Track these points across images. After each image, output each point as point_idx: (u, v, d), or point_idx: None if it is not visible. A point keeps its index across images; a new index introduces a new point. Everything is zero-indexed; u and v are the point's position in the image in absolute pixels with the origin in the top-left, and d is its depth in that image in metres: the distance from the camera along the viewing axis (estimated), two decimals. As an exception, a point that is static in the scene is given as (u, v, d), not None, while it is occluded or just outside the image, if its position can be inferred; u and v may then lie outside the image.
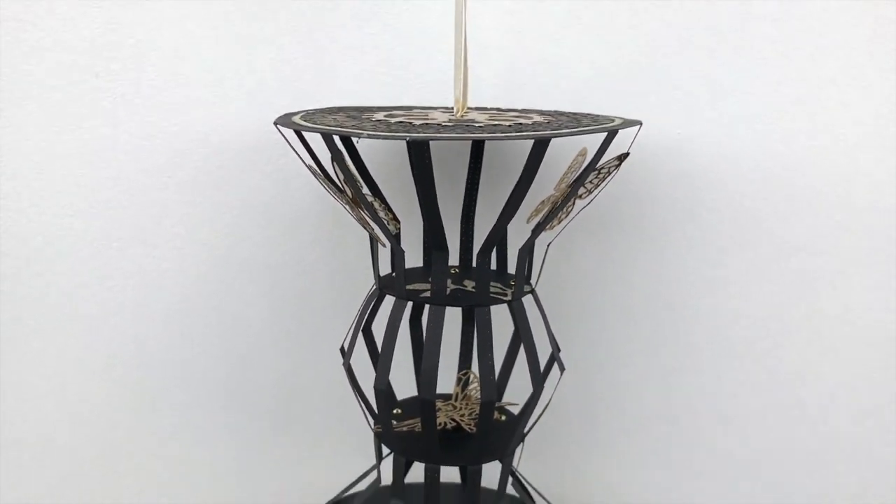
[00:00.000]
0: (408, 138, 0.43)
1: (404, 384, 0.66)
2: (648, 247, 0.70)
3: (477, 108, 0.62)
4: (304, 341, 0.75)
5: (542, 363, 0.57)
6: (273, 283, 0.73)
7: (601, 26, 0.65)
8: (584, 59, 0.66)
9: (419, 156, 0.47)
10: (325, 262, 0.72)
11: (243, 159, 0.69)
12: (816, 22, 0.61)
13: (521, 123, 0.51)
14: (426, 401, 0.52)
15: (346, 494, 0.69)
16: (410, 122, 0.50)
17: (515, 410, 0.62)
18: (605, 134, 0.49)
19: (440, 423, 0.60)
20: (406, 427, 0.58)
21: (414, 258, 0.62)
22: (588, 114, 0.60)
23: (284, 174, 0.69)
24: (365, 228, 0.56)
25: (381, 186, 0.59)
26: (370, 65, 0.67)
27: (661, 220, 0.69)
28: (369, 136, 0.44)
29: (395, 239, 0.56)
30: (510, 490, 0.61)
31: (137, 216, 0.69)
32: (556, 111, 0.62)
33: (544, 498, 0.68)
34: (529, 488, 0.66)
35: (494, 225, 0.50)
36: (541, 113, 0.59)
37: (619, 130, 0.50)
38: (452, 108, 0.59)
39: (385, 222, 0.54)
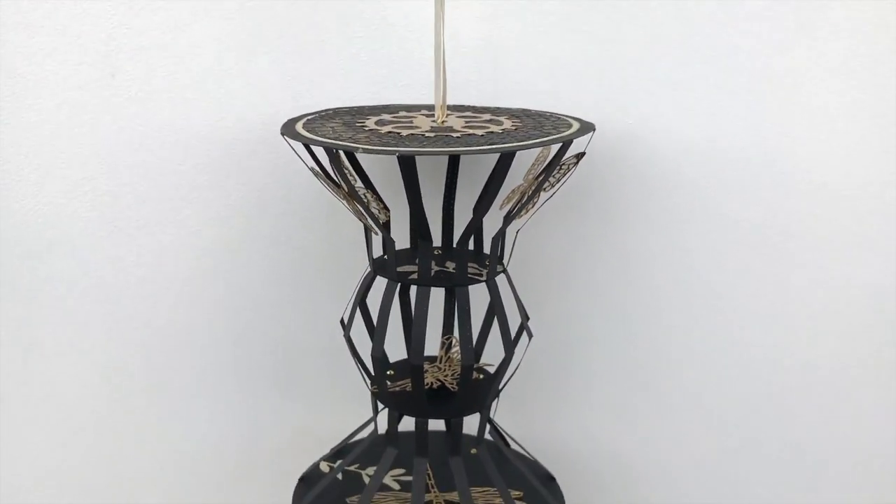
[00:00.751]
0: (397, 154, 0.52)
1: (394, 348, 0.76)
2: (612, 227, 0.80)
3: (454, 108, 0.71)
4: (304, 311, 0.84)
5: (513, 331, 0.67)
6: (276, 262, 0.82)
7: (569, 23, 0.73)
8: (554, 54, 0.74)
9: (407, 165, 0.56)
10: (321, 244, 0.82)
11: (248, 150, 0.78)
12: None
13: (491, 132, 0.60)
14: (415, 366, 0.62)
15: (348, 443, 0.80)
16: (398, 133, 0.59)
17: (492, 370, 0.72)
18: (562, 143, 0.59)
19: (427, 383, 0.70)
20: (398, 387, 0.69)
21: (401, 240, 0.71)
22: (552, 115, 0.69)
23: (285, 165, 0.78)
24: (359, 219, 0.65)
25: (371, 179, 0.68)
26: (358, 63, 0.75)
27: (624, 202, 0.79)
28: (365, 151, 0.53)
29: (385, 227, 0.65)
30: (487, 436, 0.72)
31: (154, 200, 0.79)
32: (523, 111, 0.71)
33: (516, 441, 0.79)
34: (504, 434, 0.77)
35: (471, 220, 0.60)
36: (510, 114, 0.68)
37: (577, 134, 0.59)
38: (433, 112, 0.67)
39: (376, 213, 0.64)
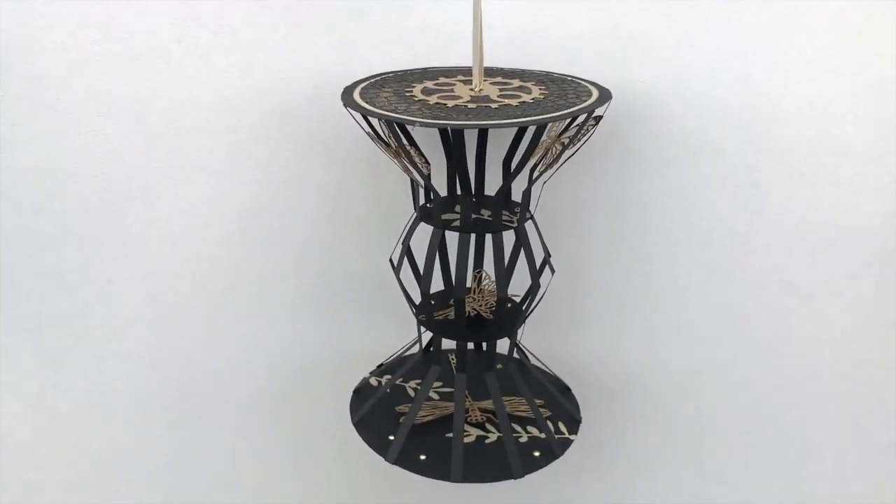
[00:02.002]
0: (449, 127, 0.63)
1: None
2: (623, 174, 0.90)
3: (486, 72, 0.80)
4: (351, 250, 0.96)
5: (538, 265, 0.79)
6: (327, 208, 0.93)
7: None
8: (574, 18, 0.83)
9: (456, 135, 0.66)
10: (366, 193, 0.92)
11: (300, 110, 0.87)
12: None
13: (524, 101, 0.70)
14: (458, 300, 0.74)
15: (393, 361, 0.93)
16: (445, 104, 0.68)
17: (517, 300, 0.84)
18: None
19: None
20: (441, 315, 0.81)
21: (439, 188, 0.82)
22: (571, 79, 0.79)
23: (335, 123, 0.87)
24: (405, 172, 0.76)
25: (413, 136, 0.78)
26: (402, 29, 0.84)
27: (633, 152, 0.89)
28: (422, 125, 0.63)
29: (427, 178, 0.76)
30: (515, 356, 0.85)
31: (221, 151, 0.90)
32: (546, 75, 0.80)
33: (537, 358, 0.92)
34: (527, 352, 0.90)
35: (503, 182, 0.71)
36: (535, 79, 0.78)
37: (598, 103, 0.69)
38: (468, 77, 0.77)
39: (420, 166, 0.74)
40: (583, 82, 0.77)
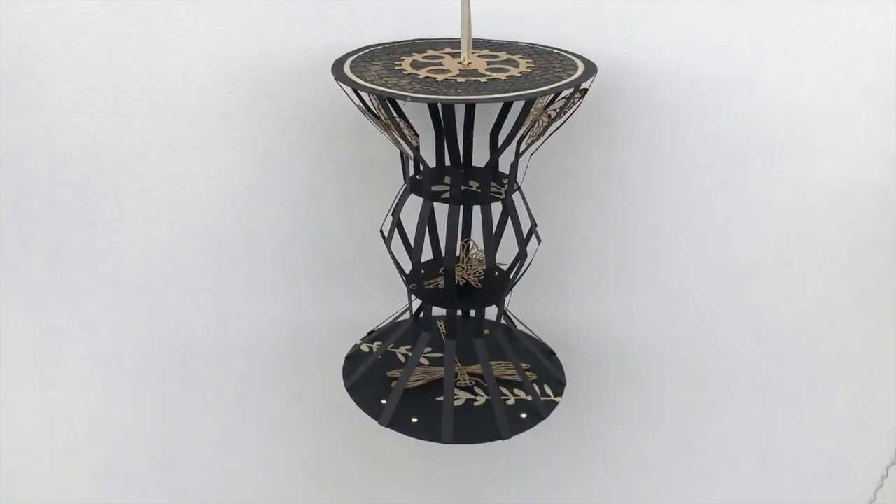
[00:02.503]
0: (439, 102, 0.64)
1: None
2: (605, 145, 0.93)
3: (474, 44, 0.81)
4: (342, 219, 0.98)
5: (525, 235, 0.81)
6: (318, 178, 0.94)
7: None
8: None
9: (446, 109, 0.68)
10: (357, 163, 0.94)
11: (289, 79, 0.88)
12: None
13: (512, 75, 0.71)
14: (448, 269, 0.77)
15: (383, 327, 0.95)
16: (434, 78, 0.70)
17: (505, 268, 0.87)
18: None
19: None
20: (431, 284, 0.84)
21: (428, 160, 0.84)
22: (556, 51, 0.80)
23: (323, 94, 0.88)
24: (395, 145, 0.77)
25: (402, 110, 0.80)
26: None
27: (613, 123, 0.91)
28: (413, 100, 0.65)
29: (417, 150, 0.77)
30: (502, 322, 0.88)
31: (208, 123, 0.91)
32: (532, 47, 0.81)
33: (522, 323, 0.95)
34: (513, 318, 0.93)
35: (491, 156, 0.73)
36: (522, 52, 0.79)
37: (584, 77, 0.71)
38: (456, 50, 0.78)
39: (409, 139, 0.76)
40: (568, 55, 0.79)
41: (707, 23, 0.85)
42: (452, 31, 0.83)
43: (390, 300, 1.00)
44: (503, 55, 0.78)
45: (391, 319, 0.94)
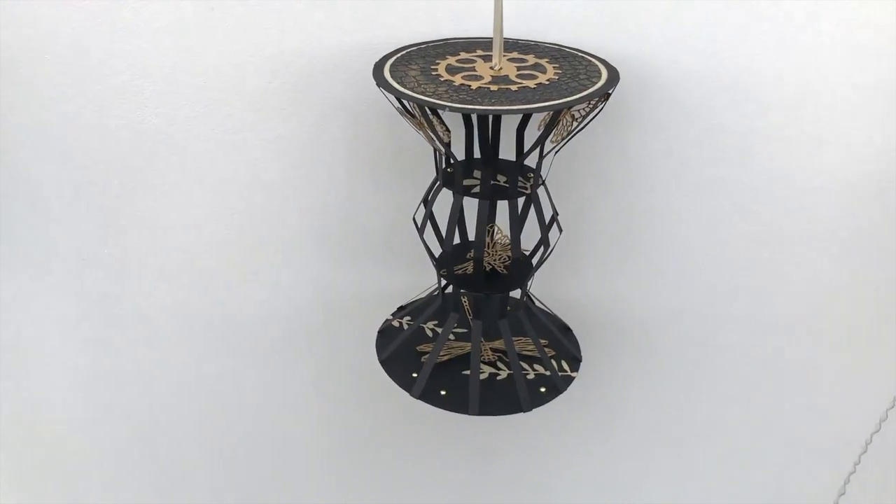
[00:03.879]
0: (475, 112, 0.70)
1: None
2: (617, 138, 0.98)
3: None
4: (376, 203, 1.04)
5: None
6: (352, 167, 1.01)
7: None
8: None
9: (481, 118, 0.74)
10: (389, 151, 1.00)
11: (325, 75, 0.94)
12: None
13: (540, 83, 0.77)
14: (478, 258, 0.84)
15: (413, 304, 1.03)
16: (469, 86, 0.75)
17: (526, 253, 0.94)
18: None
19: (479, 264, 0.92)
20: (460, 270, 0.91)
21: (457, 151, 0.90)
22: (581, 55, 0.85)
23: (359, 89, 0.94)
24: (428, 141, 0.83)
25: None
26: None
27: (627, 117, 0.97)
28: (451, 110, 0.71)
29: (448, 146, 0.83)
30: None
31: (251, 113, 0.97)
32: (558, 50, 0.86)
33: (541, 302, 1.03)
34: (532, 297, 1.00)
35: (516, 159, 0.79)
36: (548, 56, 0.84)
37: (609, 84, 0.77)
38: (487, 53, 0.83)
39: (441, 135, 0.82)
40: (592, 60, 0.84)
41: (715, 17, 0.89)
42: (480, 26, 0.89)
43: (418, 276, 1.07)
44: (531, 59, 0.83)
45: (420, 296, 1.02)
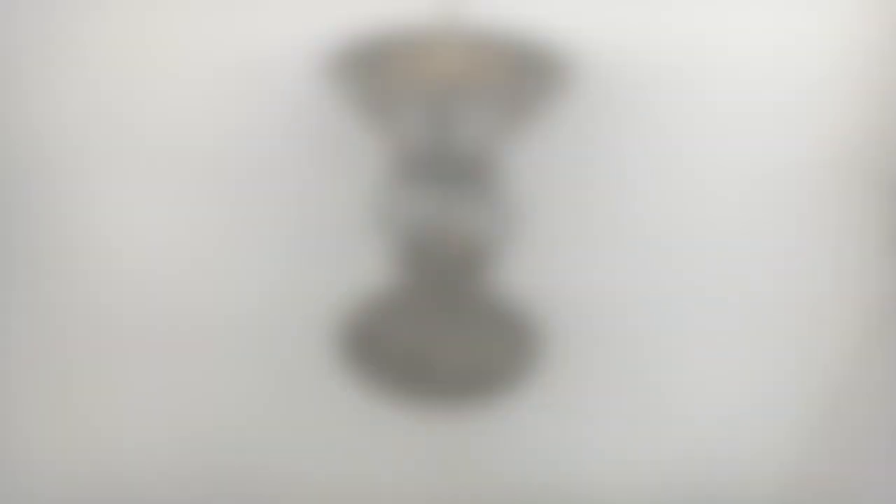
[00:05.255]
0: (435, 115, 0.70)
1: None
2: (600, 120, 0.99)
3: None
4: (334, 196, 1.04)
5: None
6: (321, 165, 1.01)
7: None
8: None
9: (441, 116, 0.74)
10: (358, 148, 1.00)
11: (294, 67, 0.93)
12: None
13: (499, 82, 0.77)
14: (444, 250, 0.85)
15: (378, 297, 1.04)
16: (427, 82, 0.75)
17: (492, 239, 0.95)
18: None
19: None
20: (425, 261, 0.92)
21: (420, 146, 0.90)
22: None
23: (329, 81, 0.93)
24: (390, 136, 0.83)
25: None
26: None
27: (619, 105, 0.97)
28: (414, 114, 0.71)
29: (411, 142, 0.84)
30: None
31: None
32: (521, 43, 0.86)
33: (516, 289, 1.04)
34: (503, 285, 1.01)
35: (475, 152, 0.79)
36: (512, 52, 0.84)
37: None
38: (447, 48, 0.83)
39: (405, 133, 0.82)
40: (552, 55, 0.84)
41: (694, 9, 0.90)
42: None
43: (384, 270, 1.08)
44: (490, 54, 0.83)
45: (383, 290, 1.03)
